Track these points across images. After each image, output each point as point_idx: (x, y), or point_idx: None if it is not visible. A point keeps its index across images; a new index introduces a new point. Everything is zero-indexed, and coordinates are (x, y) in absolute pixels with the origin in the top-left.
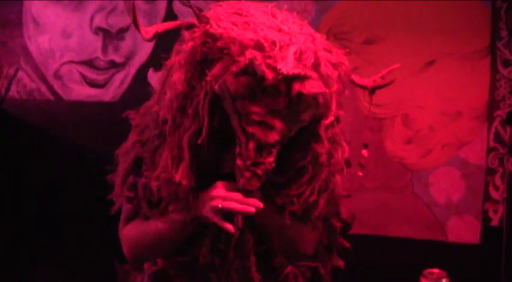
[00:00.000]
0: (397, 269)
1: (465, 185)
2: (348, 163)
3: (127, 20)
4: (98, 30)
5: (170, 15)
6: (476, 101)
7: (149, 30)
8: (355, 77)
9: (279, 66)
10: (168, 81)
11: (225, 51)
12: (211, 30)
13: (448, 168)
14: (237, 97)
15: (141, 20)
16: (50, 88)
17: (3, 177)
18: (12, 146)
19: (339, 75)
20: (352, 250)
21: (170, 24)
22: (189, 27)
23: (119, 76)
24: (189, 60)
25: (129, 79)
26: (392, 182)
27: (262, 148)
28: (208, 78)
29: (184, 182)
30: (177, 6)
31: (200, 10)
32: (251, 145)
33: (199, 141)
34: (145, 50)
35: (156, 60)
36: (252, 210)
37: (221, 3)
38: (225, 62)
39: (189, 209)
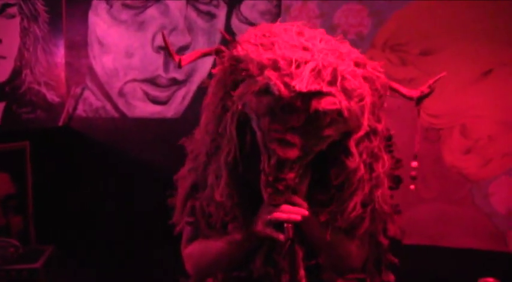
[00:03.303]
0: (456, 279)
1: None
2: (398, 179)
3: (187, 39)
4: (160, 49)
5: (228, 32)
6: None
7: (184, 59)
8: (401, 88)
9: (293, 83)
10: (204, 104)
11: (246, 73)
12: (235, 53)
13: (508, 177)
14: (259, 115)
15: (200, 39)
16: (115, 106)
17: (71, 191)
18: (79, 161)
19: (375, 89)
20: (410, 260)
21: (202, 52)
22: (219, 52)
23: (181, 93)
24: (220, 83)
25: (190, 96)
26: (452, 192)
27: (283, 164)
28: (234, 98)
29: (222, 200)
30: (235, 23)
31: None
32: (272, 161)
33: (229, 159)
34: (206, 66)
35: None
36: (297, 218)
37: (256, 26)
38: (248, 82)
39: (242, 227)
